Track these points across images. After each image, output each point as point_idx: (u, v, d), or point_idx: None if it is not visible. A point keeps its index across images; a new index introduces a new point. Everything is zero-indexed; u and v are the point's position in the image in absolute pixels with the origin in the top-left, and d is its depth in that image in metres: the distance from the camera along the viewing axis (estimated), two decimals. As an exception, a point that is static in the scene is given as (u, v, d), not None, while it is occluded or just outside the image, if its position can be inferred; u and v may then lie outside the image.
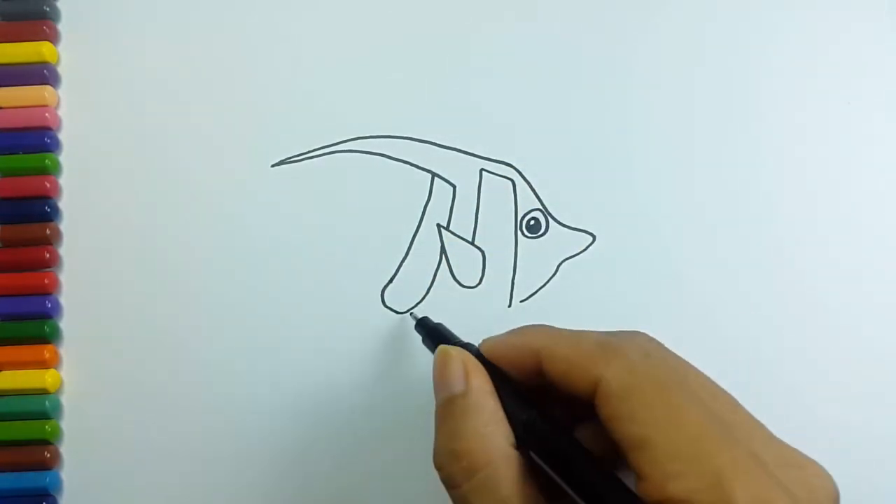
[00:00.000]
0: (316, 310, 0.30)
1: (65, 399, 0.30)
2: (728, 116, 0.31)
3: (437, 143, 0.31)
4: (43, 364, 0.30)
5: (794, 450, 0.21)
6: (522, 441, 0.22)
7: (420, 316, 0.29)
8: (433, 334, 0.27)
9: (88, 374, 0.30)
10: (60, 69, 0.31)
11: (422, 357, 0.30)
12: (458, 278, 0.30)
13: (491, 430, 0.22)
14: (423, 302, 0.30)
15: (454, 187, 0.30)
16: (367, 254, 0.30)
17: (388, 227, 0.30)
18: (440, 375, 0.24)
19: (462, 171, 0.31)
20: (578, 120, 0.31)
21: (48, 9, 0.31)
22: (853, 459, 0.29)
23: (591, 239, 0.30)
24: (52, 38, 0.31)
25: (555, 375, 0.22)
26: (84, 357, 0.30)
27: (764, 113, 0.31)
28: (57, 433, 0.30)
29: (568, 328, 0.23)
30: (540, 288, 0.30)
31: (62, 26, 0.31)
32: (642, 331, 0.23)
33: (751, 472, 0.19)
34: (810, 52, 0.31)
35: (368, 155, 0.31)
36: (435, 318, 0.28)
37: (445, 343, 0.25)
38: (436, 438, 0.23)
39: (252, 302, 0.30)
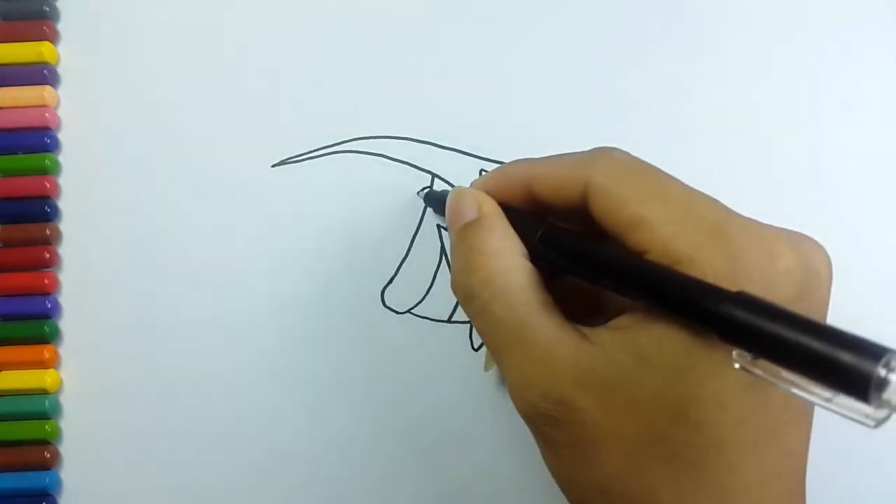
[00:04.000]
0: (316, 310, 0.30)
1: (65, 399, 0.30)
2: (728, 117, 0.31)
3: (437, 143, 0.31)
4: (43, 364, 0.30)
5: (782, 227, 0.21)
6: (538, 255, 0.23)
7: (421, 192, 0.30)
8: (441, 198, 0.27)
9: (88, 374, 0.30)
10: (60, 69, 0.31)
11: (422, 357, 0.30)
12: (458, 278, 0.30)
13: (506, 244, 0.23)
14: (423, 302, 0.30)
15: (454, 187, 0.30)
16: (367, 254, 0.30)
17: (388, 227, 0.30)
18: (454, 210, 0.24)
19: (462, 171, 0.31)
20: (578, 120, 0.31)
21: (48, 9, 0.31)
22: (853, 459, 0.29)
23: (590, 239, 0.30)
24: (52, 38, 0.31)
25: (546, 194, 0.23)
26: (84, 357, 0.30)
27: (764, 113, 0.31)
28: (57, 433, 0.30)
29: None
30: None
31: (62, 26, 0.31)
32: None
33: (747, 222, 0.20)
34: (810, 52, 0.31)
35: (368, 155, 0.31)
36: (435, 318, 0.28)
37: None
38: (452, 266, 0.24)
39: (252, 302, 0.30)
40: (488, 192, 0.25)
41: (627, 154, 0.22)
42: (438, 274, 0.30)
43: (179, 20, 0.31)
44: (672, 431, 0.19)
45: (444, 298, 0.30)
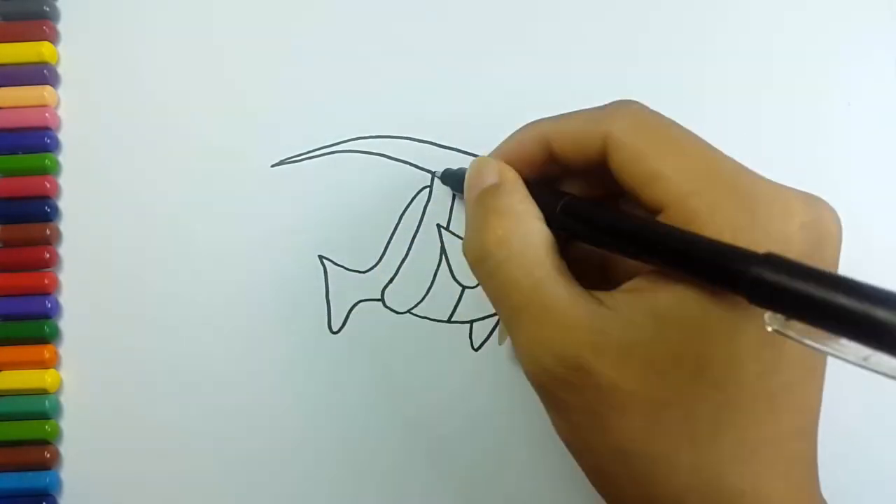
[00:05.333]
0: (316, 309, 0.30)
1: (65, 399, 0.30)
2: (728, 117, 0.31)
3: (437, 143, 0.31)
4: (43, 364, 0.30)
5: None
6: (556, 225, 0.22)
7: (438, 173, 0.30)
8: (459, 175, 0.27)
9: (88, 374, 0.30)
10: (60, 69, 0.31)
11: (422, 357, 0.30)
12: (458, 278, 0.30)
13: (524, 207, 0.22)
14: (423, 302, 0.30)
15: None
16: (366, 254, 0.30)
17: (387, 227, 0.30)
18: (474, 176, 0.24)
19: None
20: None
21: (48, 9, 0.31)
22: (851, 458, 0.29)
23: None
24: (52, 38, 0.31)
25: (565, 150, 0.23)
26: (84, 357, 0.30)
27: (764, 113, 0.31)
28: (57, 433, 0.30)
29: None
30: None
31: (62, 26, 0.31)
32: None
33: (763, 180, 0.20)
34: (810, 52, 0.31)
35: (368, 155, 0.31)
36: (435, 318, 0.28)
37: None
38: (467, 228, 0.23)
39: (252, 302, 0.30)
40: (508, 157, 0.24)
41: (646, 108, 0.22)
42: (438, 274, 0.30)
43: (179, 20, 0.31)
44: (691, 390, 0.19)
45: (444, 298, 0.30)
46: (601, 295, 0.21)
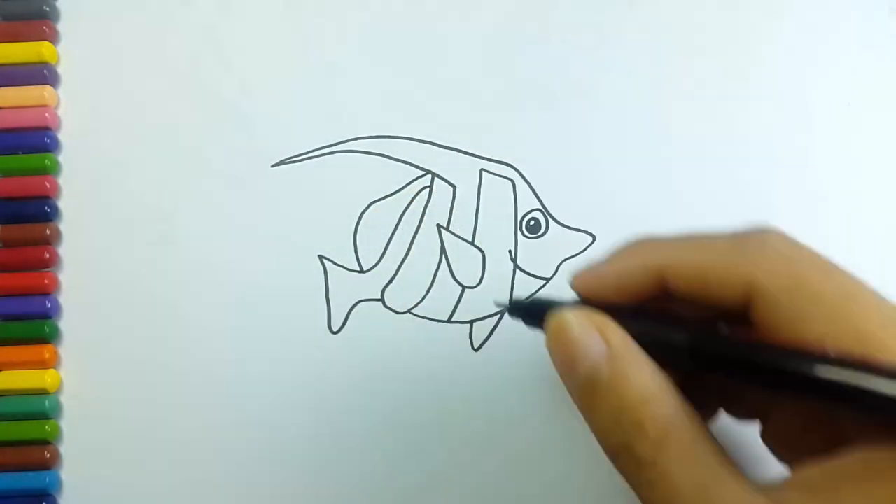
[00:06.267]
0: (315, 309, 0.30)
1: (65, 399, 0.30)
2: (728, 117, 0.31)
3: (437, 143, 0.31)
4: (43, 364, 0.30)
5: None
6: (698, 368, 0.18)
7: (506, 303, 0.24)
8: (533, 309, 0.22)
9: (88, 374, 0.30)
10: (60, 69, 0.31)
11: (422, 357, 0.30)
12: (458, 278, 0.30)
13: (657, 384, 0.18)
14: (423, 302, 0.30)
15: (454, 187, 0.30)
16: (366, 253, 0.30)
17: (388, 227, 0.30)
18: (565, 347, 0.19)
19: (462, 171, 0.31)
20: (578, 120, 0.31)
21: (48, 9, 0.31)
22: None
23: (591, 239, 0.30)
24: (52, 38, 0.31)
25: (688, 291, 0.19)
26: (84, 357, 0.30)
27: (764, 114, 0.31)
28: (57, 433, 0.30)
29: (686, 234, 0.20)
30: (540, 288, 0.30)
31: (62, 26, 0.31)
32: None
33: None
34: (810, 53, 0.31)
35: (368, 155, 0.31)
36: (435, 318, 0.28)
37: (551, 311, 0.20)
38: (595, 424, 0.19)
39: (252, 301, 0.30)
40: (606, 292, 0.20)
41: (792, 241, 0.18)
42: (438, 274, 0.30)
43: (179, 20, 0.31)
44: None
45: (444, 298, 0.30)
46: (775, 492, 0.17)
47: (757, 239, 0.18)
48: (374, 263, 0.30)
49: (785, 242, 0.18)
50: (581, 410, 0.19)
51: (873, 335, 0.16)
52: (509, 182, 0.30)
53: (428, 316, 0.30)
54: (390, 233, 0.30)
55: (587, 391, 0.19)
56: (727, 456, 0.18)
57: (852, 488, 0.15)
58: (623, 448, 0.18)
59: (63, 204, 0.31)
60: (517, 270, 0.30)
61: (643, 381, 0.18)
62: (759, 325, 0.18)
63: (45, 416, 0.29)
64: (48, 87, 0.31)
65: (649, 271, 0.19)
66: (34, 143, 0.30)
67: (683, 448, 0.17)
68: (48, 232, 0.30)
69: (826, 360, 0.16)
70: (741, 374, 0.18)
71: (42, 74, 0.31)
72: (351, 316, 0.30)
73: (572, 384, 0.19)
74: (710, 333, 0.18)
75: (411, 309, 0.30)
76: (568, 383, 0.19)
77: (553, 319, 0.19)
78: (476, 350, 0.30)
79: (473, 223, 0.30)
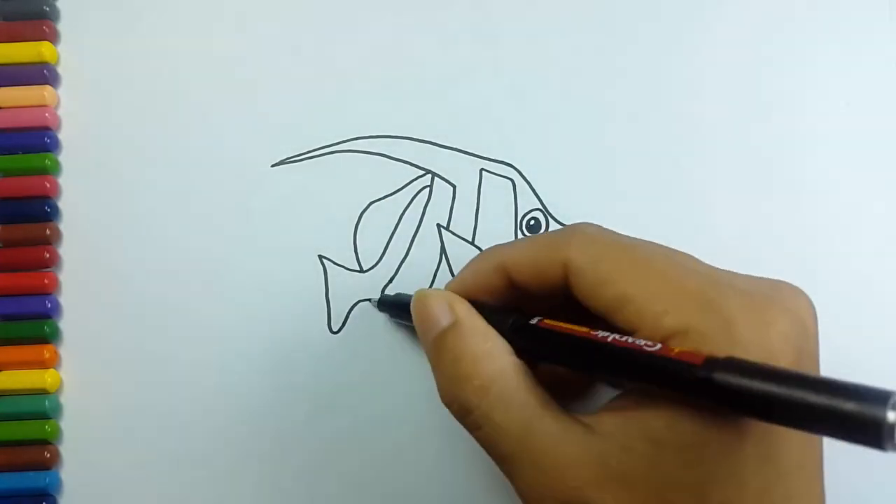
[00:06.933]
0: (315, 309, 0.30)
1: (65, 399, 0.30)
2: (727, 117, 0.31)
3: (437, 143, 0.31)
4: (43, 364, 0.30)
5: (760, 277, 0.21)
6: (519, 345, 0.22)
7: (374, 300, 0.29)
8: (398, 303, 0.28)
9: (88, 374, 0.30)
10: (60, 69, 0.31)
11: (422, 357, 0.30)
12: (458, 278, 0.30)
13: (491, 346, 0.22)
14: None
15: (454, 187, 0.31)
16: (366, 253, 0.30)
17: (388, 228, 0.30)
18: (423, 317, 0.24)
19: (462, 171, 0.31)
20: (579, 120, 0.31)
21: (48, 9, 0.31)
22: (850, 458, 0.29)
23: (591, 239, 0.30)
24: (52, 38, 0.31)
25: (526, 280, 0.23)
26: (84, 357, 0.30)
27: (763, 114, 0.31)
28: (57, 433, 0.30)
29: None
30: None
31: (62, 26, 0.31)
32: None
33: (734, 285, 0.20)
34: (809, 52, 0.31)
35: (368, 155, 0.31)
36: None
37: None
38: (437, 377, 0.23)
39: (252, 301, 0.30)
40: (466, 288, 0.24)
41: (602, 229, 0.22)
42: (438, 274, 0.30)
43: (179, 20, 0.31)
44: None
45: (444, 298, 0.30)
46: (590, 419, 0.20)
47: (572, 230, 0.22)
48: (374, 263, 0.30)
49: (594, 229, 0.22)
50: (432, 369, 0.23)
51: (659, 288, 0.20)
52: (509, 182, 0.31)
53: (428, 316, 0.30)
54: (390, 233, 0.30)
55: (434, 351, 0.23)
56: (552, 402, 0.21)
57: (649, 409, 0.19)
58: (454, 398, 0.22)
59: (63, 204, 0.31)
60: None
61: (476, 342, 0.22)
62: (576, 296, 0.21)
63: (45, 416, 0.30)
64: (48, 87, 0.31)
65: (497, 269, 0.23)
66: (34, 143, 0.30)
67: (507, 395, 0.21)
68: (48, 232, 0.30)
69: (595, 341, 0.20)
70: (541, 352, 0.22)
71: (42, 74, 0.31)
72: (351, 316, 0.30)
73: (426, 347, 0.24)
74: (525, 320, 0.22)
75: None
76: (424, 347, 0.24)
77: (416, 296, 0.24)
78: (476, 350, 0.30)
79: (473, 223, 0.30)
